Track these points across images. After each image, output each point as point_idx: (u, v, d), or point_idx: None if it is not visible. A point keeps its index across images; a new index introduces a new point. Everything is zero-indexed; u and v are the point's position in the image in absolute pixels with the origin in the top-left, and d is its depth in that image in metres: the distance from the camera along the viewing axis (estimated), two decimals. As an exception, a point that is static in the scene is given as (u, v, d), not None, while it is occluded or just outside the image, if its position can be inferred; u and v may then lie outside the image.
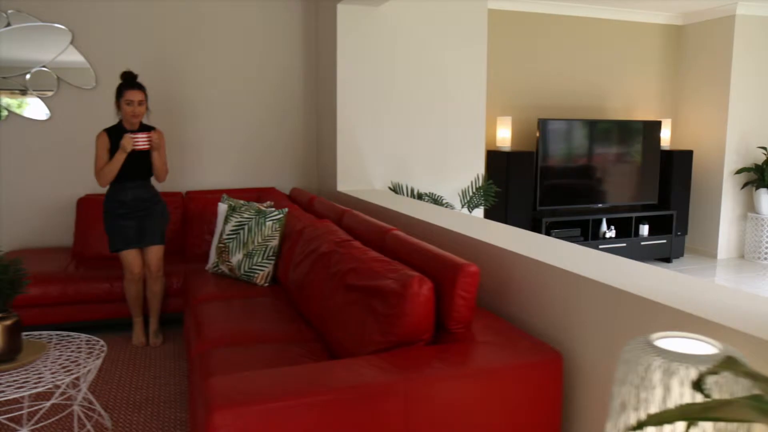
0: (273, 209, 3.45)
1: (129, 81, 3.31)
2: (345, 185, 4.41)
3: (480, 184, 4.48)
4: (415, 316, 1.87)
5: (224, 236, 3.50)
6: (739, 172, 6.01)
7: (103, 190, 4.25)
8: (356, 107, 4.36)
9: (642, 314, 1.60)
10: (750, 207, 6.22)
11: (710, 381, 1.01)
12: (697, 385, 0.94)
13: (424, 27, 4.59)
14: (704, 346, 1.22)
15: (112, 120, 3.66)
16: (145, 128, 3.43)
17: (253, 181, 4.79)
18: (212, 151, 4.67)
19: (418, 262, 2.18)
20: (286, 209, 3.46)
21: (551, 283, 1.97)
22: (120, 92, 3.31)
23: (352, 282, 2.22)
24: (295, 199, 4.29)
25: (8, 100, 4.16)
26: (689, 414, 0.75)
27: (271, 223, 3.39)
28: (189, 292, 3.37)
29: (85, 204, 4.12)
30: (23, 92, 4.19)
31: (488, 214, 5.49)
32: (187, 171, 4.63)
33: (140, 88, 3.32)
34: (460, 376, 1.67)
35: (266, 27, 4.68)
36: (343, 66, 4.27)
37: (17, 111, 4.20)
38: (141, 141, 3.26)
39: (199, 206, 4.35)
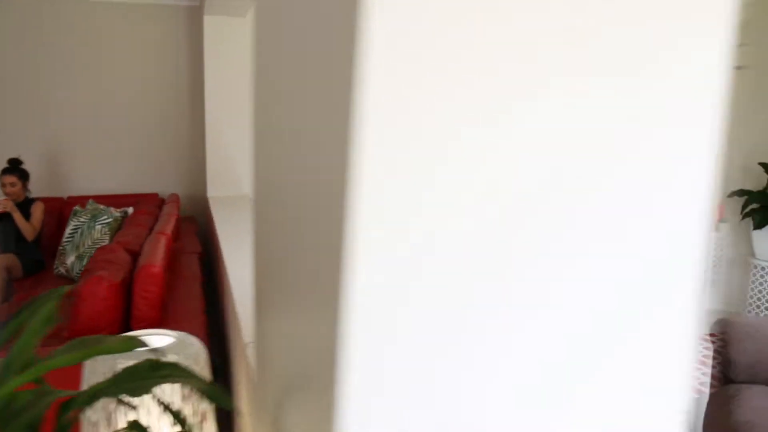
0: (105, 214, 3.60)
1: (6, 167, 3.90)
2: (215, 191, 4.55)
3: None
4: (91, 313, 2.00)
5: (63, 240, 3.66)
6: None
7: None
8: (226, 114, 4.49)
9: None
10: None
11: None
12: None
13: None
14: (166, 339, 1.35)
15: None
16: (27, 201, 3.94)
17: (138, 187, 4.95)
18: (99, 157, 4.83)
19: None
20: (117, 214, 3.61)
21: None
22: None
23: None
24: (166, 205, 4.44)
25: None
26: None
27: (100, 227, 3.55)
28: (24, 292, 3.54)
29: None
30: None
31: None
32: (72, 176, 4.80)
33: (14, 173, 3.89)
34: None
35: (154, 35, 4.84)
36: (210, 73, 4.42)
37: None
38: None
39: (76, 211, 4.53)
